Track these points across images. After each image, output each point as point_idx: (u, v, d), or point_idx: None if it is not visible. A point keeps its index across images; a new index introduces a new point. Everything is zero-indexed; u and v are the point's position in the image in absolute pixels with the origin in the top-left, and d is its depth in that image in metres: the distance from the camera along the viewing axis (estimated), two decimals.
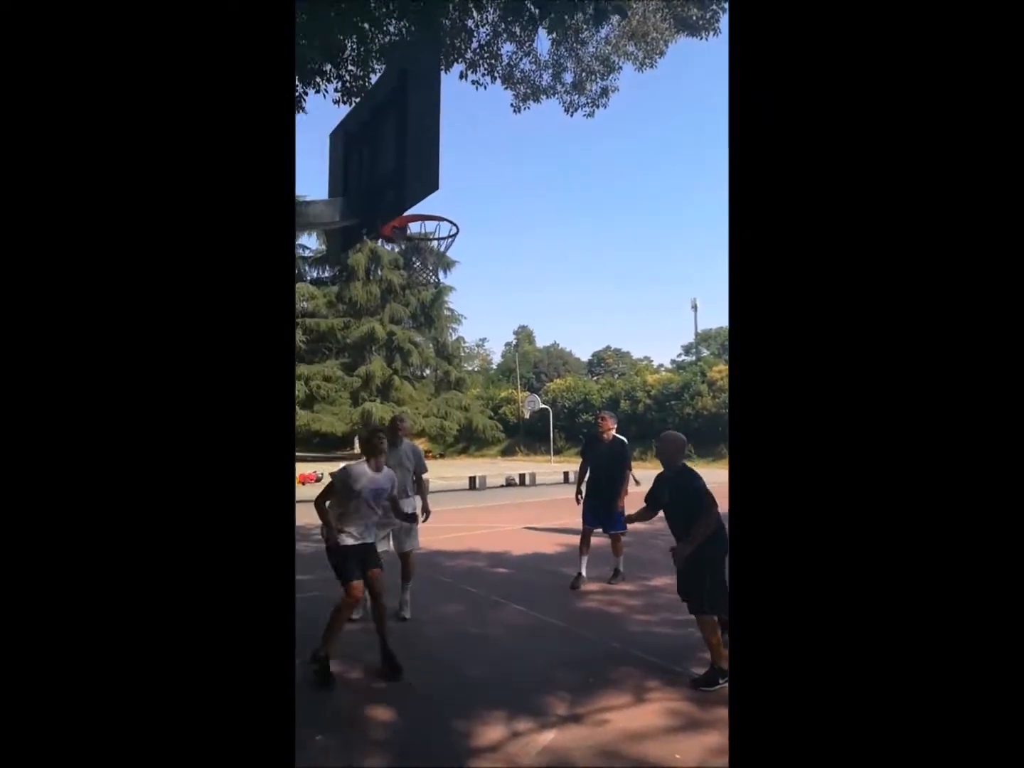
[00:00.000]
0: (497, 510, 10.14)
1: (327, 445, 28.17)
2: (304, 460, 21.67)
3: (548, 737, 2.44)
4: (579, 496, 5.08)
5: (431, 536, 6.30)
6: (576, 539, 5.18)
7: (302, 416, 24.83)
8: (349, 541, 3.15)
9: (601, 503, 4.90)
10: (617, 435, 5.08)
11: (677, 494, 3.30)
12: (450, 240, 6.59)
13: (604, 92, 6.25)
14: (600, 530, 5.00)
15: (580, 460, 5.28)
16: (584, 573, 4.93)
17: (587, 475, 5.08)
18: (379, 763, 2.30)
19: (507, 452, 31.27)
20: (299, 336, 26.20)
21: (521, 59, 5.92)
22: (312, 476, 13.03)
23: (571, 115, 6.33)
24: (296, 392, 24.43)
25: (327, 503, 3.23)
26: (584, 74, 6.10)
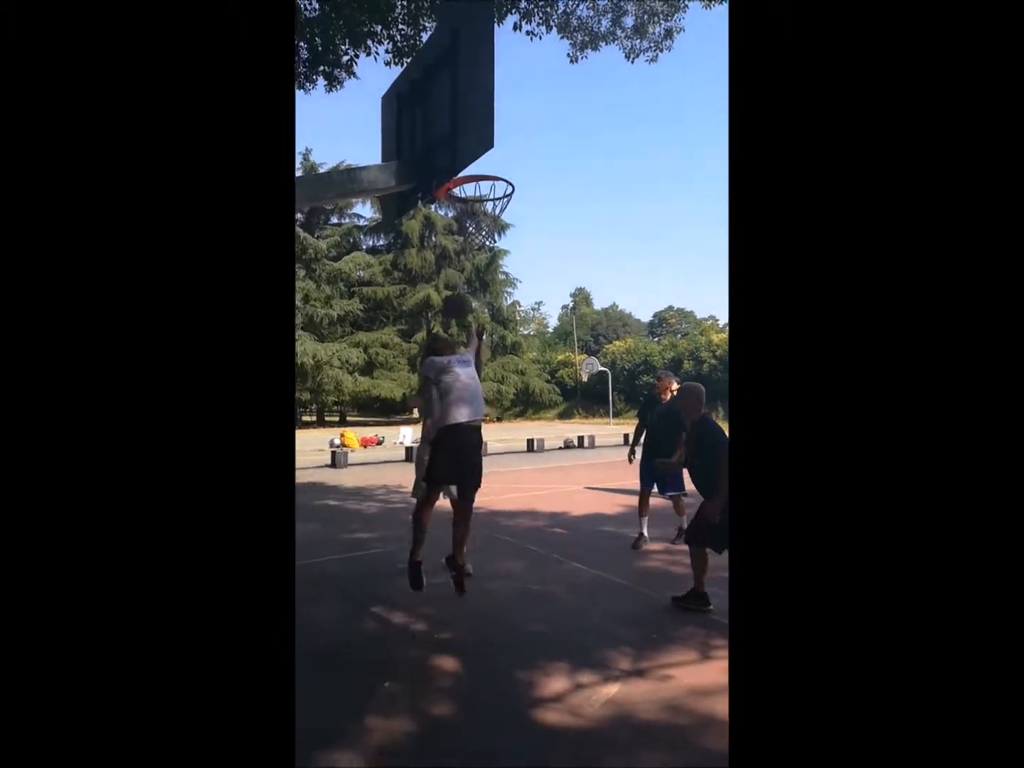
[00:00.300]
0: (555, 471, 10.20)
1: (386, 410, 29.08)
2: (365, 424, 22.32)
3: (612, 690, 2.48)
4: (631, 457, 5.06)
5: (490, 496, 6.42)
6: (635, 500, 5.14)
7: (362, 382, 25.59)
8: (460, 418, 3.39)
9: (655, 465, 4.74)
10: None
11: (699, 445, 3.27)
12: (506, 200, 6.49)
13: (668, 33, 5.90)
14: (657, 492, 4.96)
15: (637, 422, 5.22)
16: (646, 534, 4.91)
17: (643, 436, 5.01)
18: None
19: (565, 415, 31.27)
20: (356, 304, 26.80)
21: (578, 5, 5.66)
22: (374, 439, 13.42)
23: (632, 61, 6.03)
24: (356, 359, 25.16)
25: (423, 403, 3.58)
26: (646, 16, 5.77)
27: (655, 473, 4.74)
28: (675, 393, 4.82)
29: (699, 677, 2.59)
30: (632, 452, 5.07)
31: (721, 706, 2.33)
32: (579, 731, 2.20)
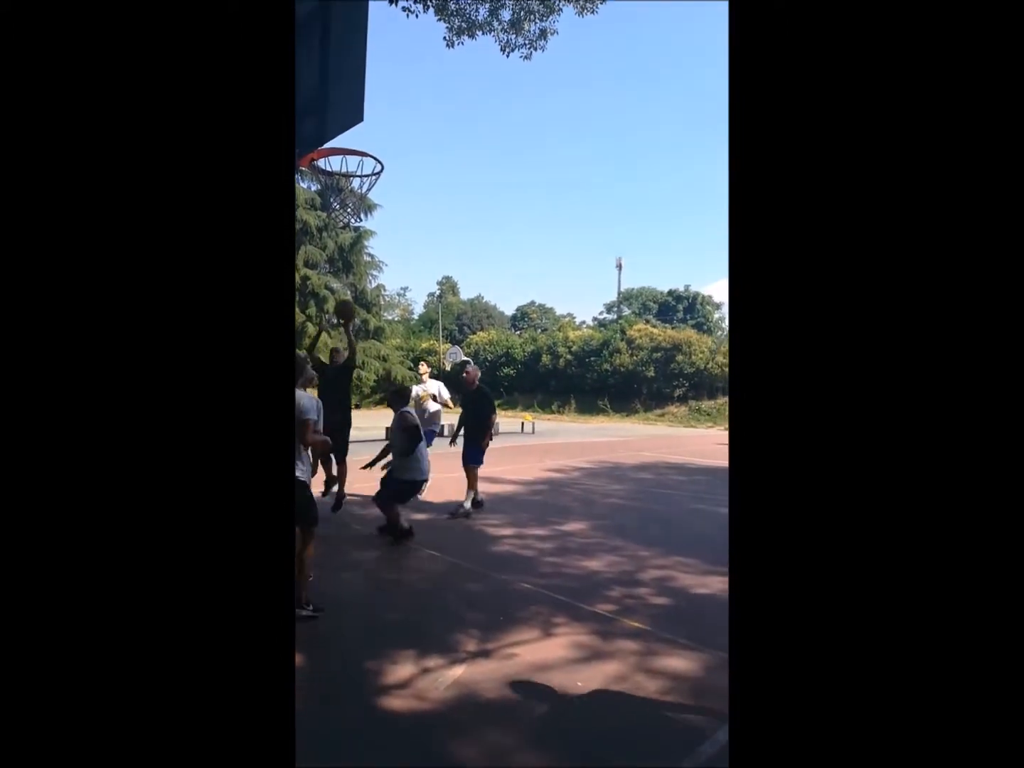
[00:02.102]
0: None
1: None
2: None
3: (457, 672, 2.54)
4: (453, 442, 6.14)
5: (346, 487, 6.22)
6: (493, 486, 5.32)
7: None
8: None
9: (469, 442, 5.79)
10: (480, 384, 6.12)
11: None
12: (374, 179, 6.30)
13: (543, 34, 6.05)
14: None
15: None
16: (468, 506, 5.64)
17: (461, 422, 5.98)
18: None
19: None
20: None
21: None
22: None
23: (507, 55, 6.10)
24: None
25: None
26: (523, 12, 5.87)
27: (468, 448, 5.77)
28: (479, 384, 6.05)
29: (540, 653, 2.73)
30: (454, 437, 6.07)
31: (559, 678, 2.49)
32: (424, 714, 2.23)
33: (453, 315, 45.12)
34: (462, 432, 5.99)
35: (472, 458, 5.77)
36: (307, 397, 3.26)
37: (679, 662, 2.69)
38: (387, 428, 3.92)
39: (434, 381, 6.81)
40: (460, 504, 5.69)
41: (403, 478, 4.81)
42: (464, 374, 6.09)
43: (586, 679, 2.50)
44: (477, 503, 5.78)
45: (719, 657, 2.73)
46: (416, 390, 6.55)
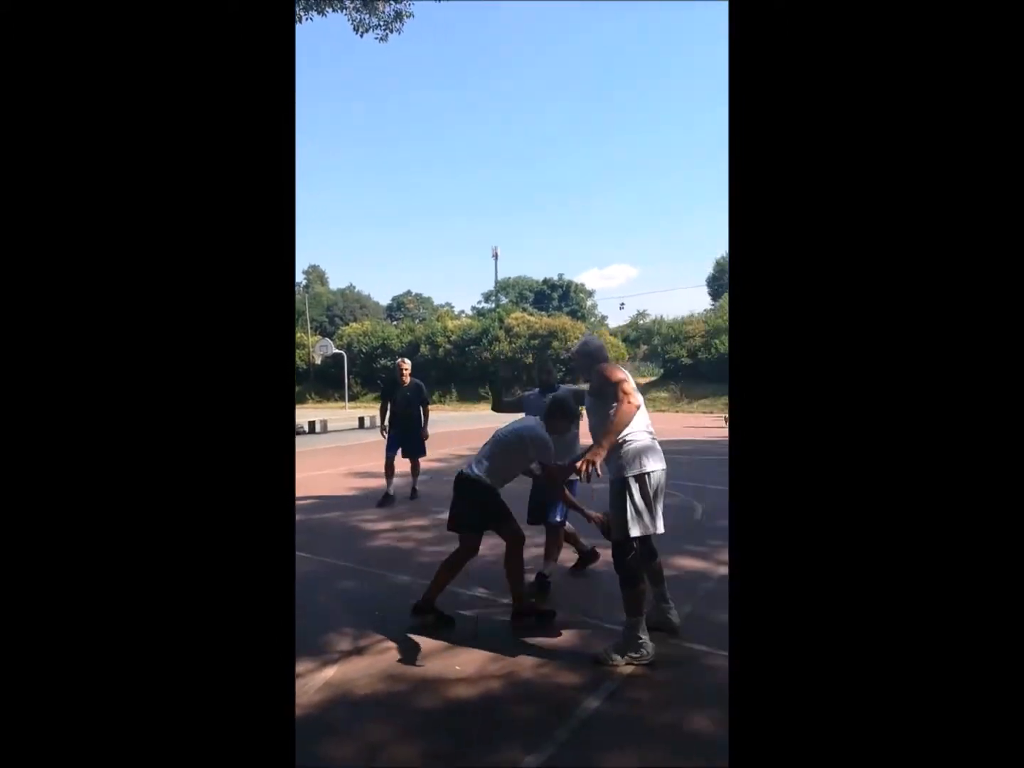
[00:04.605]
0: None
1: None
2: None
3: (328, 673, 2.44)
4: (383, 431, 5.90)
5: None
6: (365, 482, 5.20)
7: None
8: None
9: (403, 434, 5.76)
10: (414, 378, 5.93)
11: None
12: None
13: (398, 16, 5.88)
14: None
15: (380, 402, 6.05)
16: (392, 493, 5.71)
17: (388, 413, 5.87)
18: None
19: (296, 399, 29.59)
20: None
21: None
22: None
23: (360, 35, 5.87)
24: None
25: None
26: None
27: (401, 441, 5.78)
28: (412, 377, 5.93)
29: (418, 645, 2.70)
30: (383, 427, 5.91)
31: (435, 666, 2.47)
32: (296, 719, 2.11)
33: (323, 306, 43.22)
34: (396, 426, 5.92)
35: (418, 449, 5.93)
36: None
37: (555, 639, 2.79)
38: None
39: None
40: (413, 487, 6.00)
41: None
42: (402, 372, 5.89)
43: (463, 663, 2.51)
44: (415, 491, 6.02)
45: (594, 626, 2.86)
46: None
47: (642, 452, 2.50)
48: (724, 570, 3.65)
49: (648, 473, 2.48)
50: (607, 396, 2.51)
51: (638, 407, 2.46)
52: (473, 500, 2.89)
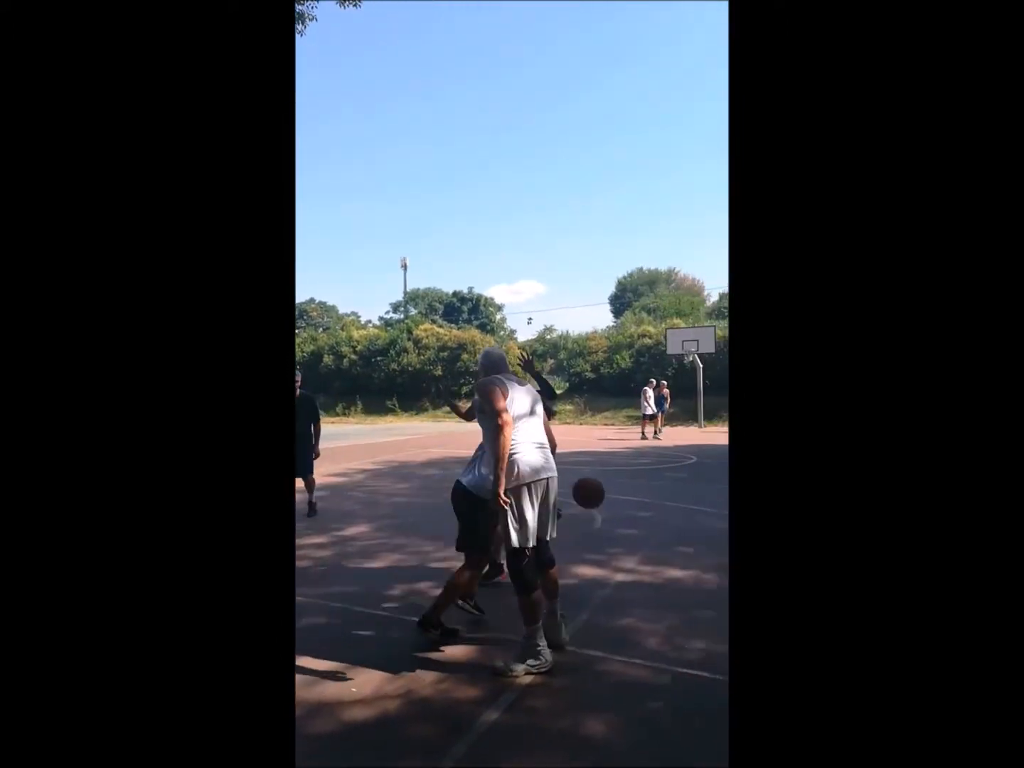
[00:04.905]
0: None
1: None
2: None
3: None
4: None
5: None
6: None
7: None
8: None
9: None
10: (305, 391, 5.72)
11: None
12: None
13: (299, 17, 5.75)
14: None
15: None
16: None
17: None
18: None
19: None
20: None
21: None
22: None
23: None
24: None
25: None
26: None
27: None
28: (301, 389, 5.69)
29: (313, 667, 2.59)
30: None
31: (331, 689, 2.38)
32: None
33: None
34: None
35: (308, 468, 5.70)
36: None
37: (455, 653, 2.78)
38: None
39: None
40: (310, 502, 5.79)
41: None
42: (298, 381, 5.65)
43: (361, 683, 2.45)
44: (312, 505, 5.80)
45: (494, 639, 2.88)
46: None
47: (521, 465, 2.57)
48: (621, 577, 3.80)
49: (527, 485, 2.56)
50: (489, 414, 2.59)
51: (512, 425, 2.53)
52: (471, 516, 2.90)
